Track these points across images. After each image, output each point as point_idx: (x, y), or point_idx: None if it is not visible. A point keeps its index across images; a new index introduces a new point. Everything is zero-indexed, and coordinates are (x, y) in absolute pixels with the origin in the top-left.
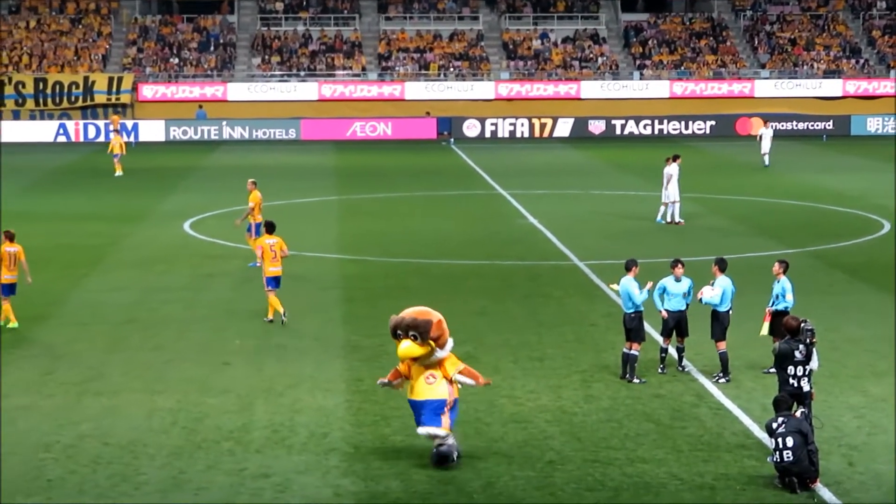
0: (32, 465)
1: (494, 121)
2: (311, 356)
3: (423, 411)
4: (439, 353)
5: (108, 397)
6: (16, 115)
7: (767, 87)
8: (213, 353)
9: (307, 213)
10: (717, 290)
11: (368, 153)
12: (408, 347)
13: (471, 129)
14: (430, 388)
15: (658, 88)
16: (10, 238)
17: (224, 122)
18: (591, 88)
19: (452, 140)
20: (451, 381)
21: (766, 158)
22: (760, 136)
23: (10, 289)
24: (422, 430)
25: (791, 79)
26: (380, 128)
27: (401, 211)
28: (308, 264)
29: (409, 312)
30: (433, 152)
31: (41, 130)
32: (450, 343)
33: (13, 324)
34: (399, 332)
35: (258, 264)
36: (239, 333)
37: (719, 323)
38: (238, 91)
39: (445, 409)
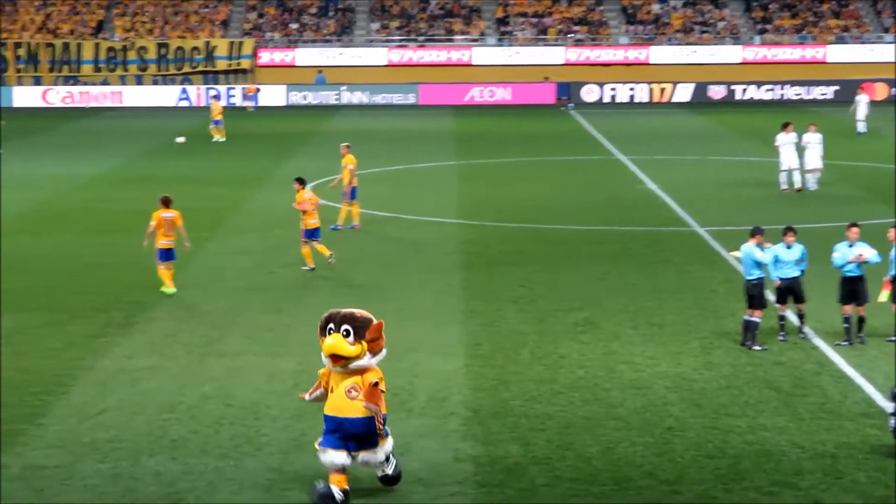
0: (157, 425)
1: (614, 86)
2: (429, 320)
3: (349, 432)
4: (367, 360)
5: (230, 359)
6: (139, 81)
7: (889, 53)
8: None
9: (426, 178)
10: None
11: (487, 118)
12: (335, 343)
13: (590, 94)
14: (352, 403)
15: (779, 53)
16: (167, 204)
17: (343, 87)
18: (710, 53)
19: (571, 105)
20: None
21: (862, 125)
22: (857, 103)
23: (166, 254)
24: (360, 457)
25: None
26: (498, 93)
27: (519, 176)
28: (427, 229)
29: (348, 309)
30: (552, 117)
31: (163, 95)
32: (383, 353)
33: (170, 289)
34: (331, 325)
35: (339, 227)
36: (356, 298)
37: (854, 286)
38: (357, 56)
39: (377, 424)
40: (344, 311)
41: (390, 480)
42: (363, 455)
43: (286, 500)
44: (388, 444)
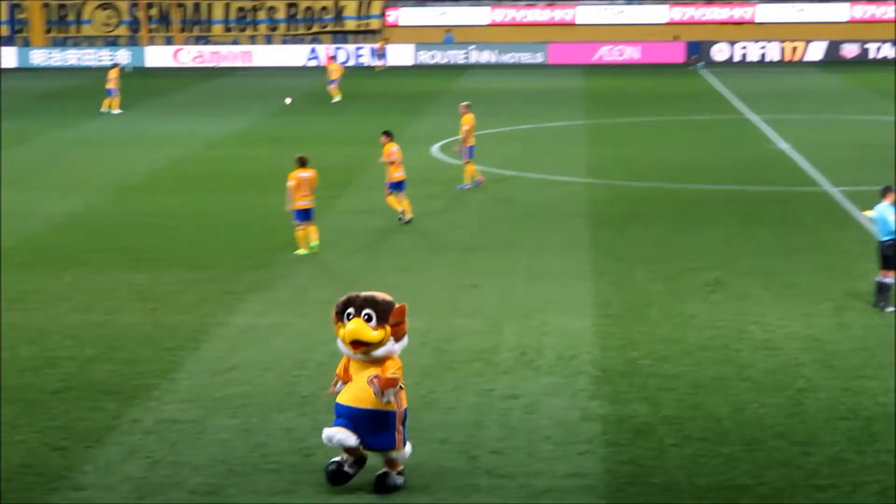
0: (287, 382)
1: (744, 44)
2: (558, 279)
3: (367, 426)
4: (391, 346)
5: None
6: (268, 40)
7: None
8: (461, 275)
9: (555, 137)
10: None
11: (616, 77)
12: (357, 328)
13: (720, 53)
14: (372, 394)
15: None
16: (303, 163)
17: (472, 47)
18: (844, 11)
19: (701, 64)
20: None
21: None
22: None
23: (304, 214)
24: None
25: None
26: (627, 52)
27: (649, 135)
28: (556, 189)
29: (367, 292)
30: (681, 77)
31: (292, 55)
32: (405, 339)
33: (303, 251)
34: (350, 310)
35: (466, 186)
36: (485, 257)
37: None
38: (486, 15)
39: (397, 422)
40: (363, 294)
41: (383, 487)
42: (386, 452)
43: (416, 456)
44: (405, 452)
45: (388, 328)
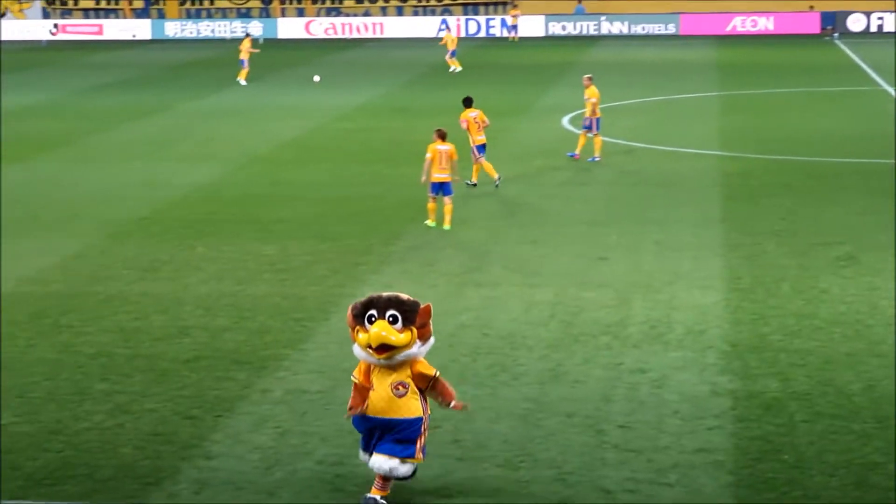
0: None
1: (881, 14)
2: (688, 253)
3: (389, 434)
4: (417, 349)
5: (487, 289)
6: (399, 12)
7: None
8: (590, 248)
9: (687, 109)
10: None
11: (749, 48)
12: (384, 330)
13: (856, 23)
14: (400, 402)
15: None
16: (443, 137)
17: (603, 18)
18: None
19: (836, 35)
20: (424, 394)
21: None
22: None
23: (439, 188)
24: (379, 461)
25: None
26: (761, 22)
27: (782, 107)
28: (687, 161)
29: (389, 292)
30: (816, 47)
31: (423, 26)
32: (432, 340)
33: (432, 222)
34: (372, 312)
35: (597, 158)
36: (614, 230)
37: None
38: None
39: (422, 431)
40: (385, 294)
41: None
42: (395, 463)
43: (542, 429)
44: (407, 468)
45: (415, 330)
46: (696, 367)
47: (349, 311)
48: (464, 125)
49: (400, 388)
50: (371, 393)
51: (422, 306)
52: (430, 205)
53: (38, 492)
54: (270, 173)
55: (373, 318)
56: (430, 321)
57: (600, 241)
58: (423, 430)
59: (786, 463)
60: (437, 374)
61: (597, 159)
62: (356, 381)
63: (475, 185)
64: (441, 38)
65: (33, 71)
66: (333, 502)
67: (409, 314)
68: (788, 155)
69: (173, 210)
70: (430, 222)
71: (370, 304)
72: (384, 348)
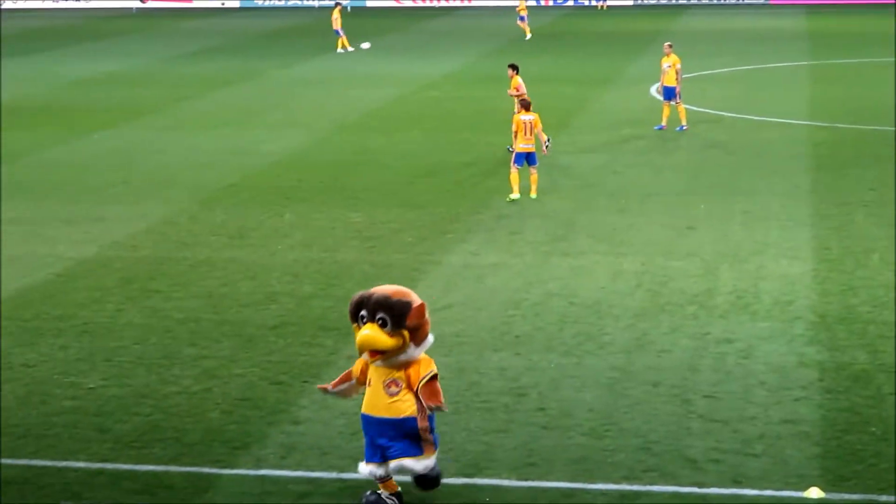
0: (501, 321)
1: None
2: (776, 223)
3: (388, 435)
4: (412, 352)
5: (574, 258)
6: None
7: None
8: (677, 218)
9: (777, 78)
10: None
11: (840, 17)
12: (370, 335)
13: None
14: (391, 401)
15: None
16: (526, 107)
17: None
18: None
19: None
20: (417, 393)
21: None
22: None
23: (524, 158)
24: (393, 465)
25: None
26: None
27: (873, 77)
28: (776, 130)
29: (381, 289)
30: None
31: None
32: (429, 340)
33: (515, 195)
34: (363, 312)
35: (684, 127)
36: (702, 199)
37: None
38: None
39: (419, 430)
40: (376, 293)
41: (428, 483)
42: (400, 462)
43: (628, 398)
44: (432, 459)
45: (406, 333)
46: (784, 337)
47: (349, 307)
48: (522, 91)
49: (392, 386)
50: (367, 389)
51: (415, 305)
52: (513, 175)
53: (126, 454)
54: (358, 141)
55: (364, 319)
56: (427, 319)
57: (688, 211)
58: (419, 428)
59: (873, 435)
60: (430, 376)
61: (684, 128)
62: (352, 368)
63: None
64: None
65: (123, 38)
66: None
67: (399, 317)
68: (878, 125)
69: (262, 177)
70: (514, 195)
71: (360, 303)
72: (374, 352)
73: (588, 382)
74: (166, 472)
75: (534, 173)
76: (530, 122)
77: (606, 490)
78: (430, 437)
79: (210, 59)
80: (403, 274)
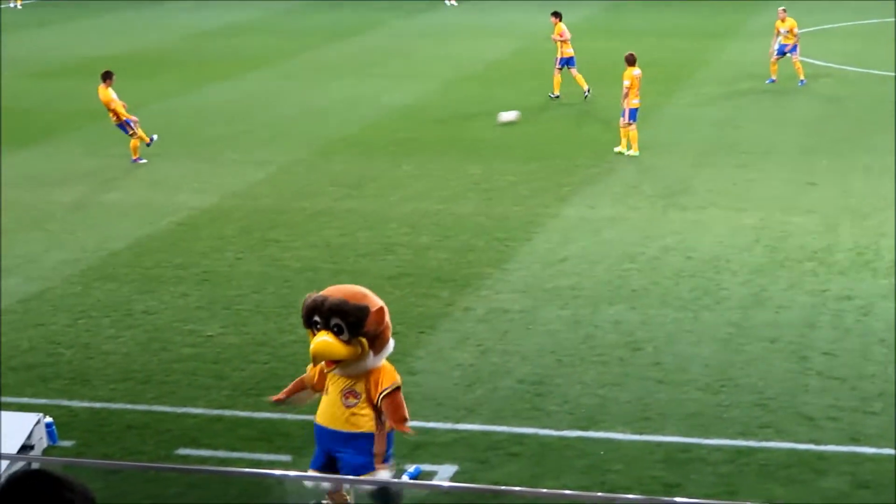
0: (617, 275)
1: None
2: None
3: (341, 448)
4: (371, 360)
5: (692, 212)
6: None
7: None
8: (798, 173)
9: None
10: None
11: None
12: (325, 344)
13: None
14: (349, 413)
15: None
16: (633, 62)
17: None
18: None
19: None
20: (377, 406)
21: None
22: None
23: (635, 114)
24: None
25: None
26: None
27: None
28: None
29: (337, 290)
30: None
31: None
32: (389, 346)
33: (622, 149)
34: (317, 318)
35: (804, 82)
36: (823, 155)
37: None
38: None
39: (373, 450)
40: (330, 298)
41: (385, 499)
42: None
43: (744, 354)
44: (384, 473)
45: (364, 341)
46: None
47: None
48: (564, 37)
49: (350, 397)
50: (323, 397)
51: (373, 310)
52: (624, 130)
53: (243, 402)
54: (477, 93)
55: (318, 326)
56: (387, 323)
57: (809, 166)
58: (375, 453)
59: None
60: (392, 388)
61: (804, 83)
62: (305, 373)
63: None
64: None
65: None
66: (532, 420)
67: (355, 324)
68: None
69: (380, 127)
70: (620, 149)
71: (314, 309)
72: (329, 361)
73: (704, 337)
74: (282, 420)
75: (634, 131)
76: (639, 77)
77: (721, 445)
78: (384, 453)
79: (331, 10)
80: (520, 226)
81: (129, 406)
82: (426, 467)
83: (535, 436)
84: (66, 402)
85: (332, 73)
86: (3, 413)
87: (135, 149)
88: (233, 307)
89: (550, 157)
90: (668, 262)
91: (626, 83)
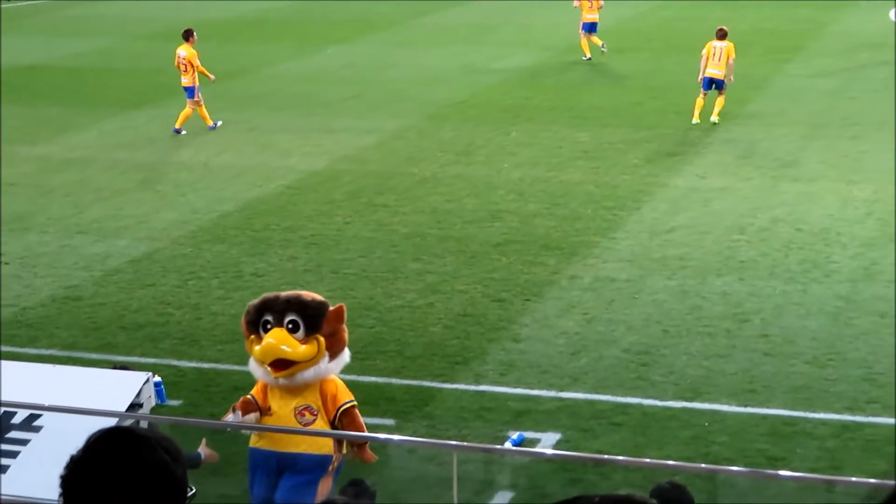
0: (726, 246)
1: None
2: None
3: (288, 472)
4: (325, 365)
5: (803, 184)
6: None
7: None
8: None
9: None
10: None
11: None
12: (278, 339)
13: None
14: (305, 438)
15: None
16: (722, 36)
17: None
18: None
19: None
20: (334, 423)
21: None
22: None
23: (710, 83)
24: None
25: None
26: None
27: None
28: None
29: (290, 291)
30: None
31: None
32: (346, 354)
33: (696, 120)
34: (267, 317)
35: None
36: None
37: None
38: None
39: (329, 469)
40: (284, 294)
41: None
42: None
43: (853, 328)
44: (331, 488)
45: (322, 340)
46: None
47: (243, 317)
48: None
49: (306, 413)
50: (268, 420)
51: (331, 308)
52: (698, 101)
53: (348, 365)
54: (589, 61)
55: (269, 325)
56: (343, 327)
57: None
58: (329, 470)
59: None
60: (350, 403)
61: None
62: (246, 396)
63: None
64: None
65: None
66: (637, 390)
67: (314, 319)
68: None
69: (491, 94)
70: (694, 119)
71: (264, 307)
72: (281, 364)
73: (812, 310)
74: (388, 384)
75: (720, 98)
76: (724, 49)
77: (827, 420)
78: (332, 476)
79: None
80: (629, 195)
81: (236, 367)
82: (529, 434)
83: (639, 405)
84: (174, 362)
85: (444, 39)
86: (112, 371)
87: (185, 118)
88: (340, 271)
89: (660, 125)
90: (777, 233)
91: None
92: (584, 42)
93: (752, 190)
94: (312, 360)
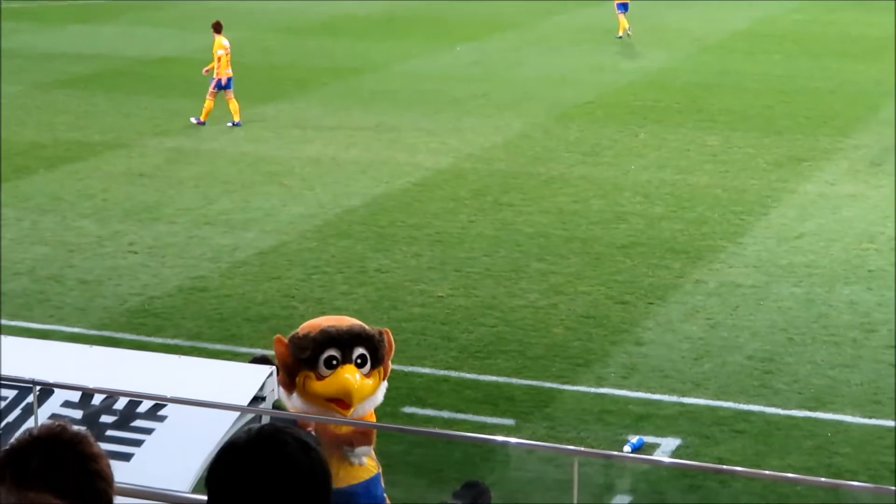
0: (854, 254)
1: None
2: None
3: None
4: (379, 395)
5: None
6: None
7: None
8: None
9: None
10: None
11: None
12: (361, 380)
13: None
14: (354, 468)
15: None
16: None
17: None
18: None
19: None
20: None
21: None
22: None
23: None
24: None
25: None
26: None
27: None
28: None
29: (334, 319)
30: None
31: None
32: (383, 386)
33: None
34: (332, 350)
35: None
36: None
37: None
38: None
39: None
40: (347, 323)
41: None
42: None
43: None
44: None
45: (382, 372)
46: None
47: (286, 347)
48: None
49: (351, 451)
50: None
51: (387, 334)
52: None
53: (470, 364)
54: (719, 62)
55: (335, 361)
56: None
57: None
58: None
59: None
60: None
61: None
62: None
63: None
64: None
65: None
66: (760, 398)
67: (380, 352)
68: None
69: (619, 95)
70: None
71: (330, 341)
72: (345, 404)
73: None
74: (508, 384)
75: None
76: None
77: None
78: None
79: None
80: (757, 200)
81: None
82: (649, 439)
83: (762, 413)
84: None
85: (574, 39)
86: (237, 364)
87: (208, 112)
88: (464, 269)
89: (791, 130)
90: None
91: None
92: (620, 20)
93: (883, 198)
94: (373, 392)
